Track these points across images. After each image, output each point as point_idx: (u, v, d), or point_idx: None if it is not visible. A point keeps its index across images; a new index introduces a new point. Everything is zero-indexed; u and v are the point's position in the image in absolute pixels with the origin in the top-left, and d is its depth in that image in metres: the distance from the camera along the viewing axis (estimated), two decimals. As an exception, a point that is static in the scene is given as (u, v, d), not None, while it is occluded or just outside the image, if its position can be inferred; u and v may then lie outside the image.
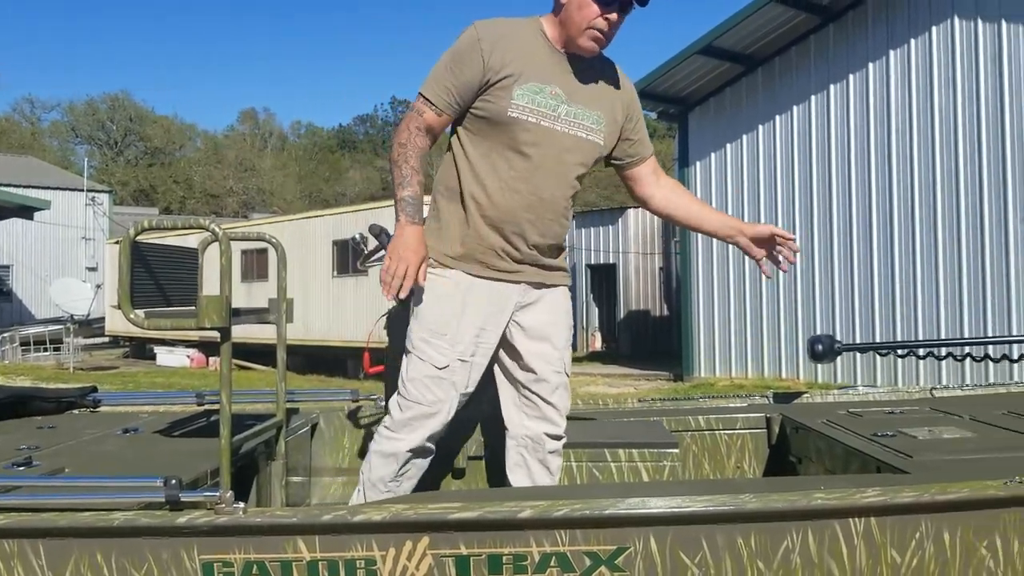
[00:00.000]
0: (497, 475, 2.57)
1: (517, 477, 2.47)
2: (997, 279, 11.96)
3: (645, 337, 22.05)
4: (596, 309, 23.82)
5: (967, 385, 3.67)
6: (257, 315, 3.10)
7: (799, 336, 13.95)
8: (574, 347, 23.24)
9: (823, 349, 3.49)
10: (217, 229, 2.46)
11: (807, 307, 13.92)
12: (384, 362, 2.80)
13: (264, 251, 18.49)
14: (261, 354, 17.94)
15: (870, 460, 2.49)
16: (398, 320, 2.76)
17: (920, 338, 12.45)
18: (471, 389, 2.44)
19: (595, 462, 2.80)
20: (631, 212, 22.75)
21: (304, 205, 49.17)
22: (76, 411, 3.72)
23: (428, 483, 2.62)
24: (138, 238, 2.54)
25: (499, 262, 2.42)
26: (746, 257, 2.51)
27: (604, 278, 23.17)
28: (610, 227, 22.70)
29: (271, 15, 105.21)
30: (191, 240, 17.30)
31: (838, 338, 13.24)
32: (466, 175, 2.41)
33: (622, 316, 22.49)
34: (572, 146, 2.42)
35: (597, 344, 23.33)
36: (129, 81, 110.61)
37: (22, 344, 22.21)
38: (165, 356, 20.50)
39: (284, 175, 55.53)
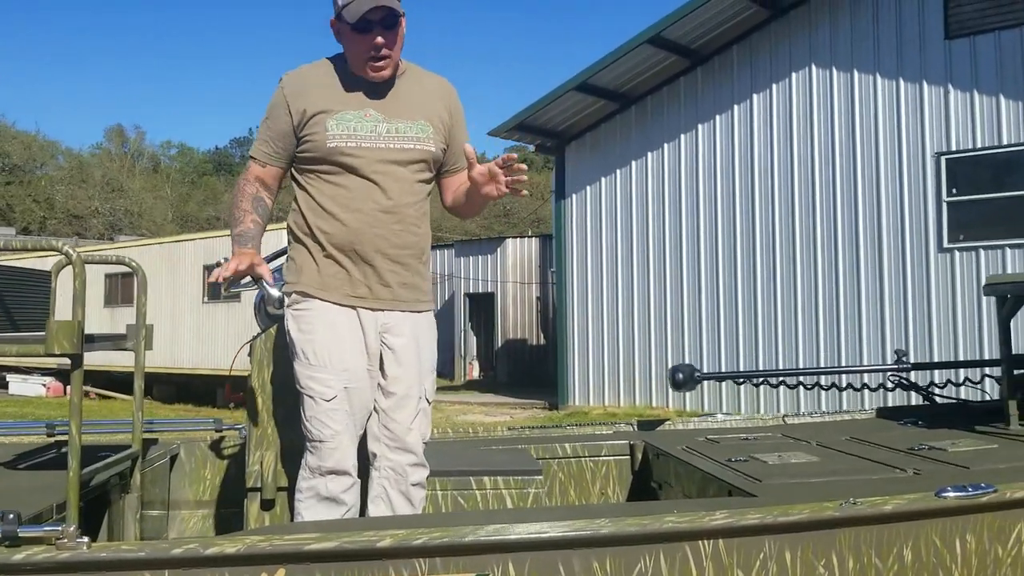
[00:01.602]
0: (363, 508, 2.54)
1: (378, 509, 2.45)
2: (850, 309, 12.70)
3: (522, 366, 22.23)
4: (474, 338, 23.89)
5: (816, 413, 3.87)
6: (113, 342, 2.99)
7: (669, 366, 14.37)
8: (451, 376, 23.19)
9: (683, 377, 3.63)
10: (71, 251, 2.37)
11: (676, 338, 14.37)
12: (245, 391, 2.75)
13: (130, 275, 17.75)
14: (127, 383, 17.19)
15: (723, 484, 2.60)
16: (263, 348, 2.72)
17: (783, 369, 13.03)
18: (365, 413, 2.48)
19: (460, 490, 2.81)
20: (509, 242, 23.01)
21: (176, 228, 47.47)
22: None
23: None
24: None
25: (356, 288, 2.45)
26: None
27: (482, 307, 23.28)
28: (488, 256, 22.87)
29: (146, 32, 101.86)
30: (51, 263, 16.43)
31: (705, 368, 13.74)
32: (310, 211, 2.49)
33: (499, 345, 22.63)
34: (402, 158, 2.49)
35: (474, 373, 23.37)
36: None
37: None
38: (18, 384, 19.32)
39: (154, 197, 53.49)
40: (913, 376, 3.86)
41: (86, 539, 1.81)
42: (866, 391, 3.92)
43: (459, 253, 23.64)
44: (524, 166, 2.44)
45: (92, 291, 18.51)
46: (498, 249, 22.74)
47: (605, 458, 3.51)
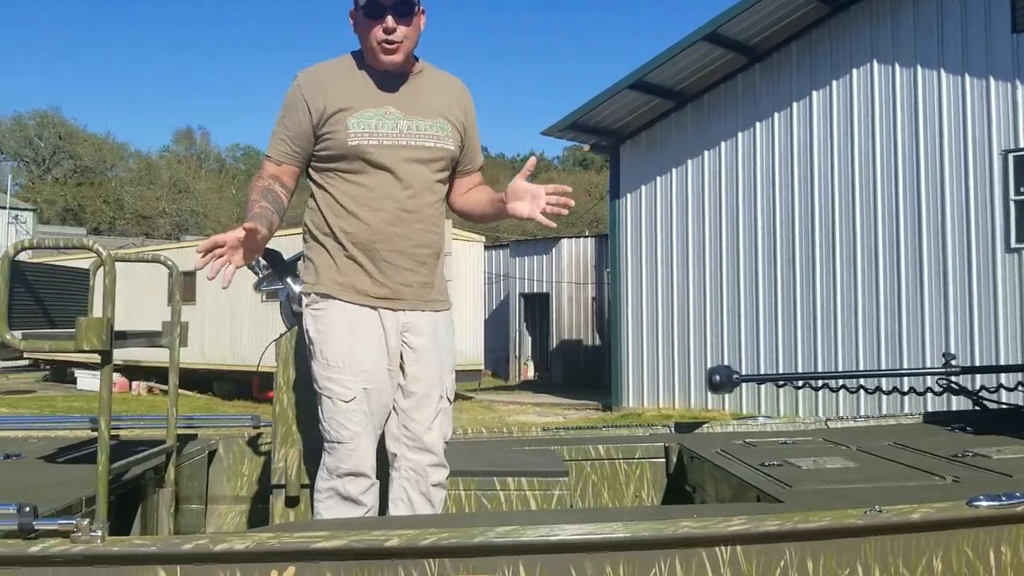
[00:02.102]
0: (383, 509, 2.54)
1: (398, 510, 2.44)
2: (932, 311, 12.35)
3: (577, 366, 22.14)
4: (529, 338, 23.87)
5: (860, 416, 3.76)
6: (148, 338, 3.04)
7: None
8: (506, 376, 23.14)
9: (721, 380, 3.55)
10: (101, 250, 2.41)
11: (732, 340, 14.15)
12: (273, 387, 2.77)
13: (192, 273, 18.12)
14: (190, 379, 17.63)
15: (752, 489, 2.53)
16: (289, 346, 2.73)
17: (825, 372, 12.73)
18: (385, 413, 2.46)
19: (484, 490, 2.79)
20: (565, 242, 22.93)
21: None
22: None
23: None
24: (17, 257, 2.49)
25: (377, 288, 2.44)
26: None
27: (537, 307, 23.26)
28: (544, 256, 22.84)
29: (213, 33, 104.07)
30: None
31: (763, 371, 13.37)
32: (329, 211, 2.47)
33: (555, 345, 22.58)
34: (422, 157, 2.48)
35: (529, 373, 23.35)
36: (60, 98, 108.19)
37: (-66, 366, 21.35)
38: (87, 380, 19.88)
39: (220, 197, 54.65)
40: (970, 380, 3.71)
41: (99, 532, 1.83)
42: (930, 396, 3.78)
43: (514, 253, 23.65)
44: (571, 201, 2.44)
45: (158, 289, 18.96)
46: (553, 249, 22.69)
47: (639, 460, 3.45)
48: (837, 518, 1.95)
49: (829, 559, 1.95)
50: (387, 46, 2.41)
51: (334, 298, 2.42)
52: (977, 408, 3.68)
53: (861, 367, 12.64)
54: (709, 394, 14.43)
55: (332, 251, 2.45)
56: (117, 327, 2.57)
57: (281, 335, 2.75)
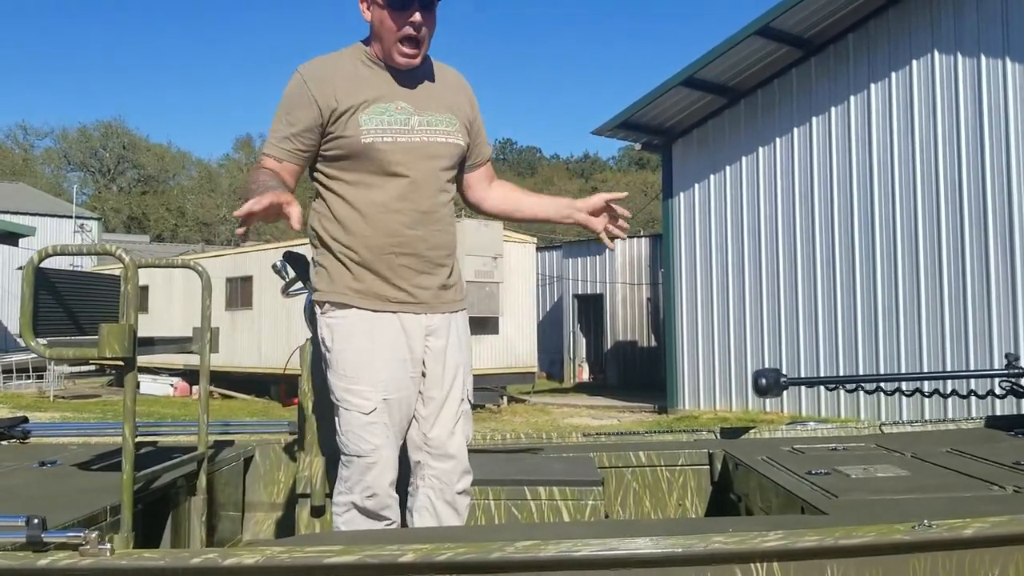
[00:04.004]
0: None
1: (423, 520, 2.35)
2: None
3: (632, 368, 21.92)
4: (583, 340, 23.70)
5: (916, 421, 3.58)
6: (178, 344, 3.01)
7: (783, 370, 13.81)
8: (560, 378, 22.97)
9: (767, 383, 3.40)
10: (124, 256, 2.39)
11: (791, 340, 13.84)
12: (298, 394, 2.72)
13: (249, 279, 18.38)
14: (248, 383, 17.87)
15: (796, 499, 2.40)
16: (312, 352, 2.68)
17: (904, 372, 12.35)
18: (406, 423, 2.37)
19: (514, 500, 2.70)
20: (619, 242, 22.68)
21: (298, 234, 49.13)
22: (4, 443, 3.62)
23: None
24: (42, 264, 2.48)
25: (396, 292, 2.34)
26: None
27: (591, 308, 23.08)
28: (597, 257, 22.66)
29: (267, 39, 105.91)
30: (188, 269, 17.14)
31: (822, 372, 13.00)
32: (343, 213, 2.35)
33: (609, 347, 22.38)
34: (435, 153, 2.39)
35: (584, 375, 23.18)
36: (124, 108, 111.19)
37: (4, 372, 21.94)
38: (149, 384, 20.27)
39: (278, 204, 55.54)
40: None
41: (108, 546, 1.79)
42: (988, 399, 3.58)
43: (567, 255, 23.51)
44: (626, 225, 2.66)
45: (218, 294, 19.29)
46: (607, 250, 22.47)
47: (682, 467, 3.33)
48: (883, 533, 1.81)
49: (875, 577, 1.82)
50: (407, 45, 2.31)
51: (351, 306, 2.33)
52: (1043, 412, 3.48)
53: (926, 368, 12.24)
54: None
55: (346, 257, 2.34)
56: (176, 333, 2.55)
57: (306, 340, 2.70)
